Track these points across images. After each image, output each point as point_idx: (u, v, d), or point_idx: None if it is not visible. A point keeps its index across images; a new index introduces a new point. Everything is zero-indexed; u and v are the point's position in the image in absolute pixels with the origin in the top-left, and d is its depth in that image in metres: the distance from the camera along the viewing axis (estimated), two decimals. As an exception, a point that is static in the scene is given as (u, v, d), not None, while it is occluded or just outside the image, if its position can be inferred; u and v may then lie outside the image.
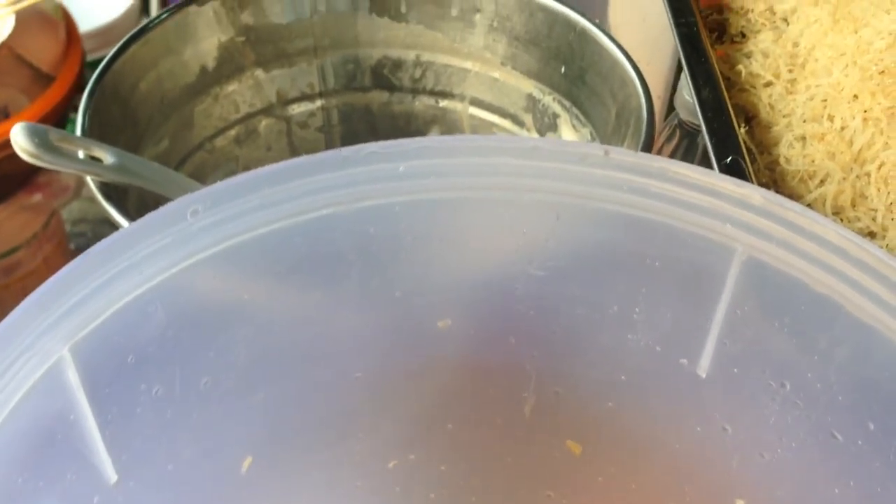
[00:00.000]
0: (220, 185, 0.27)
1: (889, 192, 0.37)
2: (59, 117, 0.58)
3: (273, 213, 0.28)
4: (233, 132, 0.53)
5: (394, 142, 0.28)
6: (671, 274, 0.30)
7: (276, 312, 0.31)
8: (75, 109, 0.83)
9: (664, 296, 0.31)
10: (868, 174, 0.38)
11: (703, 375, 0.31)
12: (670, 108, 0.63)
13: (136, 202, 0.44)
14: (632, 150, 0.29)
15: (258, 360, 0.31)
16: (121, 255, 0.25)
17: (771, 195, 0.27)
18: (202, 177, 0.52)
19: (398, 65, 0.55)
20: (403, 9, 0.53)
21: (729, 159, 0.37)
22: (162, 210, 0.26)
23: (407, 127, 0.57)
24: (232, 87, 0.51)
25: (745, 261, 0.28)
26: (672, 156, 0.51)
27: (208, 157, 0.52)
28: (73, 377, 0.25)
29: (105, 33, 0.83)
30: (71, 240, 0.76)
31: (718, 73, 0.42)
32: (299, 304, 0.31)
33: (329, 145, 0.57)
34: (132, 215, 0.40)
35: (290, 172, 0.28)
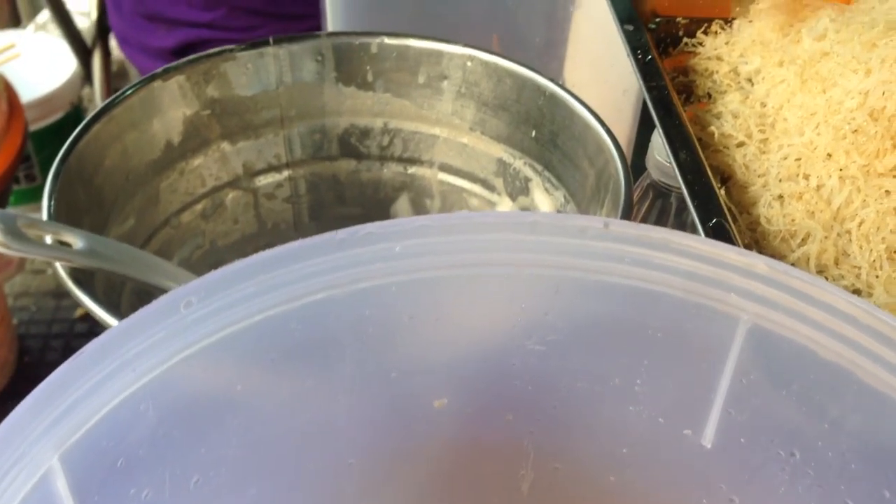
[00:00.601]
0: (214, 275, 0.25)
1: (871, 250, 0.37)
2: (3, 189, 0.57)
3: (268, 299, 0.27)
4: (199, 206, 0.51)
5: (391, 222, 0.28)
6: (674, 344, 0.30)
7: (269, 401, 0.29)
8: (17, 181, 0.81)
9: (667, 366, 0.31)
10: (849, 232, 0.38)
11: (709, 446, 0.31)
12: (633, 166, 0.64)
13: (104, 285, 0.42)
14: (632, 222, 0.28)
15: (250, 453, 0.29)
16: (113, 353, 0.24)
17: (776, 263, 0.27)
18: (169, 253, 0.50)
19: (366, 133, 0.54)
20: (370, 78, 0.52)
21: (713, 222, 0.37)
22: (155, 304, 0.25)
23: (375, 195, 0.56)
24: (198, 160, 0.50)
25: (751, 329, 0.28)
26: (646, 216, 0.51)
27: (174, 233, 0.50)
28: (62, 488, 0.23)
29: (47, 102, 0.81)
30: (14, 314, 0.74)
31: (693, 135, 0.42)
32: (293, 391, 0.30)
33: (297, 216, 0.56)
34: (101, 300, 0.38)
35: (286, 258, 0.27)
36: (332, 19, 0.55)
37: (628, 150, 0.65)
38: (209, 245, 0.52)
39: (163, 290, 0.41)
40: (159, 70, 0.47)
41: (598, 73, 0.61)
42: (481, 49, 0.51)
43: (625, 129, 0.63)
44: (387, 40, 0.51)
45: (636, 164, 0.53)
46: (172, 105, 0.48)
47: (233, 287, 0.26)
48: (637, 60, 0.46)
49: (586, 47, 0.61)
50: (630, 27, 0.49)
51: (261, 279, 0.26)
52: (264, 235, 0.55)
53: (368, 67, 0.52)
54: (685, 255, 0.28)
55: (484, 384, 0.32)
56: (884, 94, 0.39)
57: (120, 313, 0.43)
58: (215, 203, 0.52)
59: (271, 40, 0.50)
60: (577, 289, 0.29)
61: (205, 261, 0.53)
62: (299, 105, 0.52)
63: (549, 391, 0.32)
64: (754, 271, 0.27)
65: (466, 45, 0.51)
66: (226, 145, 0.51)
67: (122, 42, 0.94)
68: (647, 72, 0.45)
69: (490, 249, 0.29)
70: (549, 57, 0.61)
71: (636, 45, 0.47)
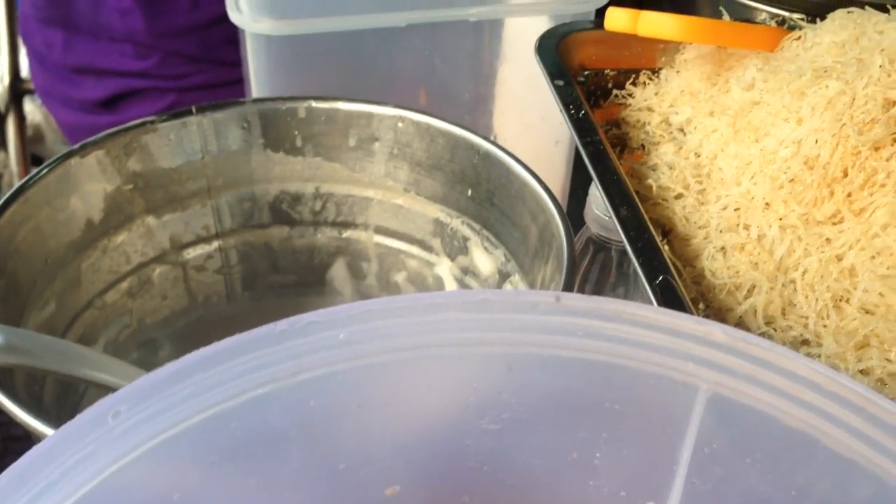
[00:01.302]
0: (144, 380, 0.24)
1: (817, 299, 0.37)
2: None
3: (204, 400, 0.25)
4: (124, 284, 0.49)
5: (334, 309, 0.26)
6: (633, 416, 0.29)
7: (210, 506, 0.27)
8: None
9: (627, 438, 0.29)
10: (794, 282, 0.38)
11: (674, 517, 0.30)
12: (570, 215, 0.63)
13: (25, 377, 0.40)
14: (584, 295, 0.27)
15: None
16: (38, 474, 0.22)
17: (732, 331, 0.26)
18: (93, 337, 0.47)
19: (297, 198, 0.53)
20: (299, 143, 0.51)
21: (660, 280, 0.37)
22: (80, 418, 0.23)
23: (310, 261, 0.54)
24: (121, 237, 0.48)
25: (711, 398, 0.27)
26: (588, 270, 0.51)
27: (99, 315, 0.48)
28: None
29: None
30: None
31: (631, 189, 0.42)
32: (235, 492, 0.28)
33: (229, 287, 0.54)
34: (22, 397, 0.35)
35: (222, 355, 0.25)
36: (256, 83, 0.54)
37: (563, 201, 0.64)
38: (137, 324, 0.50)
39: (88, 382, 0.38)
40: (76, 147, 0.44)
41: (529, 126, 0.61)
42: (412, 109, 0.50)
43: (559, 180, 0.62)
44: (314, 104, 0.50)
45: (573, 212, 0.53)
46: (91, 181, 0.45)
47: (166, 391, 0.24)
48: (570, 116, 0.46)
49: (515, 101, 0.61)
50: (560, 82, 0.48)
51: (196, 379, 0.25)
52: (195, 309, 0.53)
53: (297, 132, 0.51)
54: (639, 325, 0.27)
55: (437, 468, 0.31)
56: (817, 142, 0.39)
57: (43, 409, 0.41)
58: (142, 280, 0.49)
59: (194, 109, 0.48)
60: (530, 365, 0.28)
61: (133, 340, 0.50)
62: (226, 174, 0.51)
63: (505, 470, 0.31)
64: (711, 339, 0.27)
65: (397, 105, 0.50)
66: (151, 219, 0.49)
67: (45, 96, 0.91)
68: (582, 127, 0.45)
69: (439, 330, 0.27)
70: (479, 112, 0.61)
71: (568, 101, 0.47)
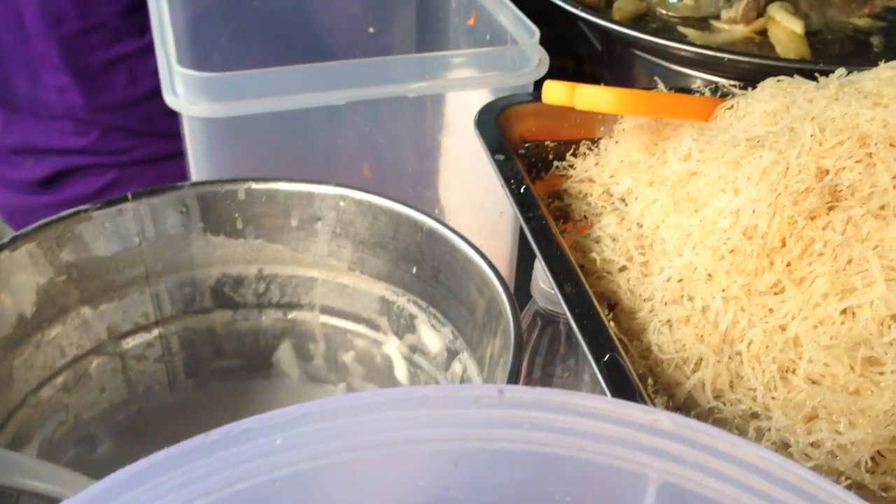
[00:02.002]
0: (66, 505, 0.22)
1: (764, 371, 0.37)
2: None
3: (132, 521, 0.24)
4: (60, 379, 0.47)
5: (269, 414, 0.25)
6: (584, 507, 0.28)
7: None
8: None
9: (579, 531, 0.29)
10: (740, 353, 0.38)
11: None
12: (518, 285, 0.63)
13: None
14: (527, 387, 0.27)
15: None
16: None
17: (679, 418, 0.26)
18: (28, 435, 0.45)
19: (240, 281, 0.52)
20: (239, 225, 0.50)
21: (606, 358, 0.36)
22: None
23: (255, 344, 0.53)
24: (55, 330, 0.46)
25: (661, 487, 0.27)
26: (537, 343, 0.50)
27: (33, 413, 0.46)
28: None
29: None
30: None
31: (575, 264, 0.42)
32: None
33: (171, 375, 0.52)
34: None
35: (149, 472, 0.24)
36: (195, 164, 0.53)
37: (511, 272, 0.64)
38: (74, 420, 0.48)
39: (20, 491, 0.37)
40: (5, 240, 0.43)
41: (473, 198, 0.61)
42: (354, 188, 0.49)
43: (505, 251, 0.62)
44: (254, 185, 0.50)
45: (521, 282, 0.52)
46: (22, 275, 0.44)
47: (90, 514, 0.23)
48: (512, 191, 0.46)
49: (459, 173, 0.61)
50: (501, 156, 0.49)
51: (123, 500, 0.23)
52: (136, 400, 0.51)
53: (237, 214, 0.50)
54: (586, 415, 0.27)
55: (387, 569, 0.30)
56: (754, 212, 0.40)
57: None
58: (78, 373, 0.48)
59: (129, 196, 0.47)
60: (477, 460, 0.27)
61: (70, 437, 0.48)
62: (165, 259, 0.49)
63: (457, 568, 0.30)
64: (658, 427, 0.26)
65: (338, 184, 0.50)
66: (86, 310, 0.47)
67: None
68: (523, 202, 0.45)
69: (380, 429, 0.27)
70: (423, 185, 0.61)
71: (509, 175, 0.47)
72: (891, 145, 0.38)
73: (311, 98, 0.52)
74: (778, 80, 0.47)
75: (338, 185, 0.50)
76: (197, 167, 0.53)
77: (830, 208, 0.38)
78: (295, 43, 0.73)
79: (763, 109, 0.45)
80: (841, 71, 0.47)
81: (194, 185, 0.49)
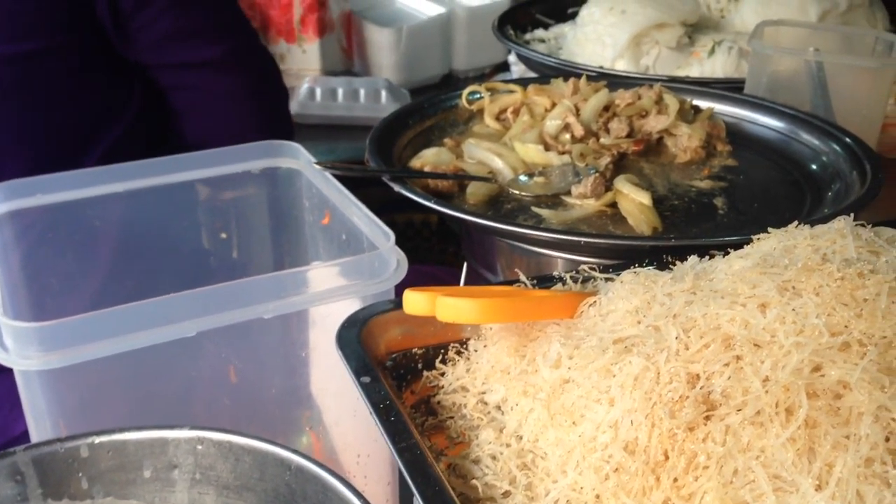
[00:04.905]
0: None
1: None
2: None
3: None
4: None
5: None
6: None
7: None
8: None
9: None
10: (640, 584, 0.35)
11: None
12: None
13: None
14: None
15: None
16: None
17: None
18: None
19: (89, 547, 0.46)
20: (85, 484, 0.45)
21: None
22: None
23: None
24: None
25: None
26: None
27: None
28: None
29: None
30: None
31: (454, 498, 0.39)
32: None
33: None
34: None
35: None
36: (35, 423, 0.48)
37: (394, 501, 0.60)
38: None
39: None
40: None
41: (349, 415, 0.57)
42: (211, 429, 0.46)
43: (386, 473, 0.58)
44: (98, 439, 0.45)
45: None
46: None
47: None
48: (381, 419, 0.43)
49: (330, 386, 0.58)
50: (367, 378, 0.46)
51: None
52: None
53: (81, 474, 0.45)
54: None
55: None
56: (632, 423, 0.38)
57: None
58: None
59: (-48, 473, 0.42)
60: None
61: None
62: (-1, 537, 0.44)
63: None
64: None
65: (194, 427, 0.46)
66: None
67: None
68: (395, 431, 0.42)
69: None
70: (291, 405, 0.57)
71: (377, 400, 0.44)
72: (755, 345, 0.38)
73: (157, 334, 0.49)
74: (635, 273, 0.47)
75: (193, 427, 0.46)
76: (36, 424, 0.48)
77: (707, 417, 0.37)
78: (142, 256, 0.69)
79: (625, 308, 0.44)
80: (693, 259, 0.48)
81: (29, 448, 0.44)
